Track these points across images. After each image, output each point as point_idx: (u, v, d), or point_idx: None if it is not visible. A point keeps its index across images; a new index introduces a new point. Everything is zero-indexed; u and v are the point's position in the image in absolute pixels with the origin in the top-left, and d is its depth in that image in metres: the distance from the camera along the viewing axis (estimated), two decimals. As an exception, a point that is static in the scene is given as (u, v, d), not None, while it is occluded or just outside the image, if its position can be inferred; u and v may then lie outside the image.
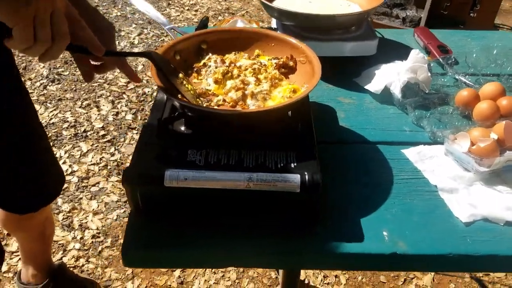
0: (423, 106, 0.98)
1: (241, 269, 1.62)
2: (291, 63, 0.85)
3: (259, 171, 0.68)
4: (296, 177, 0.67)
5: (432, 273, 1.63)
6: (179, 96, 0.74)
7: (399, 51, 1.13)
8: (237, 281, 1.59)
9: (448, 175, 0.82)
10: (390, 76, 1.00)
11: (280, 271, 1.07)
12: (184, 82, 0.77)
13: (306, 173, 0.67)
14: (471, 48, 1.20)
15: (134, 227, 0.71)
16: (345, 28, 1.10)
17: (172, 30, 1.09)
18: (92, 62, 0.72)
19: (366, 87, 1.03)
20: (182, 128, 0.76)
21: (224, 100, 0.78)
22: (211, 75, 0.82)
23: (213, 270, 1.62)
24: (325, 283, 1.60)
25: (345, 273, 1.63)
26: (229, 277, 1.60)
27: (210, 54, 0.87)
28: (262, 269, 1.62)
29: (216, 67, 0.83)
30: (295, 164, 0.69)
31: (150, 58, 0.74)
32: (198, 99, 0.77)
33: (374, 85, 1.01)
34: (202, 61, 0.87)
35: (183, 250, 0.69)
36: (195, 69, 0.85)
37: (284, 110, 0.75)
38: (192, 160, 0.70)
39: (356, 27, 1.11)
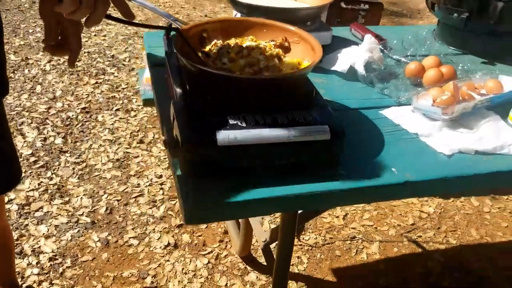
0: (382, 79, 1.17)
1: (211, 266, 1.68)
2: (286, 44, 0.98)
3: (293, 126, 0.80)
4: (325, 127, 0.80)
5: (378, 242, 1.84)
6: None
7: (346, 42, 1.34)
8: (209, 277, 1.64)
9: (421, 125, 1.01)
10: (352, 57, 1.19)
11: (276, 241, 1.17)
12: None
13: (332, 123, 0.80)
14: (395, 38, 1.44)
15: (189, 189, 0.77)
16: (303, 23, 1.27)
17: (176, 21, 1.15)
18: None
19: (333, 68, 1.20)
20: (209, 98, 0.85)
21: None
22: (224, 55, 0.92)
23: (183, 271, 1.65)
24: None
25: (305, 253, 1.77)
26: (201, 274, 1.65)
27: (215, 40, 0.97)
28: (230, 263, 1.70)
29: (221, 49, 0.93)
30: (319, 118, 0.82)
31: (178, 31, 0.83)
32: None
33: (340, 66, 1.19)
34: (208, 47, 0.96)
35: (237, 201, 0.77)
36: (204, 54, 0.94)
37: (304, 73, 0.88)
38: (234, 123, 0.79)
39: (312, 22, 1.29)
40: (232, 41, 0.97)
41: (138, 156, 2.19)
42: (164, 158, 2.18)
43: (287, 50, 0.99)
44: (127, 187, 2.00)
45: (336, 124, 0.81)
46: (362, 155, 0.90)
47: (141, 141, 2.28)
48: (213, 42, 0.97)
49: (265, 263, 1.70)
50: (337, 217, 1.95)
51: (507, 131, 1.01)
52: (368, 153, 0.91)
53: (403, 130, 1.00)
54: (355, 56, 1.18)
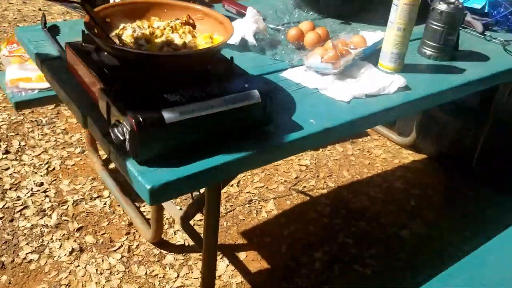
0: (270, 46, 1.29)
1: (125, 259, 1.66)
2: (191, 21, 1.03)
3: (227, 95, 0.86)
4: (256, 92, 0.88)
5: (272, 200, 2.01)
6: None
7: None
8: (127, 270, 1.62)
9: (317, 80, 1.15)
10: (241, 30, 1.27)
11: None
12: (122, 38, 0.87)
13: (261, 87, 0.89)
14: (265, 9, 1.58)
15: (146, 172, 0.79)
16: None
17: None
18: None
19: (225, 42, 1.27)
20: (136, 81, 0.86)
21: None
22: (140, 38, 0.93)
23: (98, 272, 1.60)
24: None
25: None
26: (117, 270, 1.61)
27: (123, 24, 0.97)
28: (144, 251, 1.69)
29: (135, 31, 0.94)
30: (247, 85, 0.90)
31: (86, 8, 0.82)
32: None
33: (232, 39, 1.27)
34: (116, 31, 0.96)
35: (191, 174, 0.81)
36: (118, 37, 0.94)
37: (221, 47, 0.94)
38: (174, 100, 0.82)
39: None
40: (140, 23, 0.98)
41: (8, 168, 1.99)
42: (40, 165, 2.02)
43: (192, 27, 1.03)
44: (6, 203, 1.82)
45: (264, 88, 0.89)
46: (282, 114, 1.00)
47: (6, 151, 2.07)
48: (121, 26, 0.97)
49: (178, 243, 1.74)
50: (232, 185, 2.05)
51: (381, 76, 1.21)
52: (286, 111, 1.02)
53: (304, 87, 1.13)
54: (244, 28, 1.28)
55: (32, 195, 1.87)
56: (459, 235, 1.89)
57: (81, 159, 2.11)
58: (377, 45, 1.31)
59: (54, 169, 2.03)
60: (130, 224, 1.80)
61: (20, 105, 1.57)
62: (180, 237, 1.76)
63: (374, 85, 1.14)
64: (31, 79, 1.61)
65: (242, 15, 1.50)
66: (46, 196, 1.88)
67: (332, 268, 1.70)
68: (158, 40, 0.93)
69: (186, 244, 1.74)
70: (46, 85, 1.57)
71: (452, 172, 2.29)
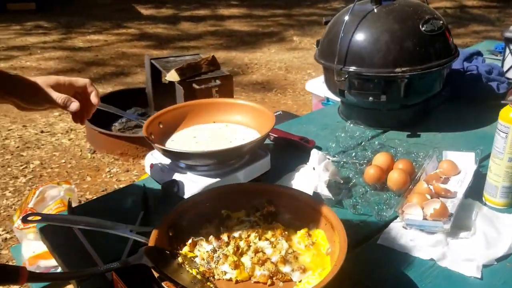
0: (347, 194, 1.05)
1: None
2: (273, 209, 0.79)
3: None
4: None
5: None
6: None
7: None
8: None
9: (427, 244, 0.90)
10: (310, 181, 1.04)
11: None
12: (185, 265, 0.63)
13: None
14: (314, 133, 1.36)
15: None
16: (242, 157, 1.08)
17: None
18: None
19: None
20: None
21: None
22: (221, 260, 0.68)
23: None
24: None
25: None
26: None
27: (193, 239, 0.72)
28: None
29: (214, 248, 0.70)
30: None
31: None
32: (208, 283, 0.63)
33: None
34: (185, 249, 0.72)
35: None
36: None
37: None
38: None
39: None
40: (225, 237, 0.73)
41: None
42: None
43: (275, 215, 0.80)
44: None
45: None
46: None
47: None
48: (189, 241, 0.72)
49: None
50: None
51: (501, 219, 0.96)
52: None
53: (416, 258, 0.88)
54: (312, 178, 1.04)
55: None
56: None
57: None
58: (474, 174, 1.07)
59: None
60: None
61: (44, 291, 1.30)
62: None
63: (503, 241, 0.90)
64: (52, 251, 1.36)
65: (292, 146, 1.27)
66: None
67: None
68: (244, 260, 0.69)
69: None
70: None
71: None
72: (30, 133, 3.10)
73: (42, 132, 3.11)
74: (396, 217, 0.97)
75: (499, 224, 0.95)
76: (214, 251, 0.69)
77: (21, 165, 2.71)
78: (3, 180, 2.57)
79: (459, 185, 1.05)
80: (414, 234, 0.93)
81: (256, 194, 0.80)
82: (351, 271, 0.78)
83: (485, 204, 1.02)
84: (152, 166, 1.10)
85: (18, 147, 2.92)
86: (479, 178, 1.05)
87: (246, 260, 0.68)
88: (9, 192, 2.46)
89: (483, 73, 1.44)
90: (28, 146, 2.93)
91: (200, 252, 0.70)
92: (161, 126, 1.14)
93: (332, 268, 0.64)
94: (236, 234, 0.73)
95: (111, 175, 2.62)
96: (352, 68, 1.27)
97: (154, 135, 1.09)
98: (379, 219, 0.98)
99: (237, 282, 0.66)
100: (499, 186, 1.00)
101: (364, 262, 0.87)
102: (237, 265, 0.67)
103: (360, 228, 0.96)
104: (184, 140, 1.13)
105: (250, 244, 0.70)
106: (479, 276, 0.83)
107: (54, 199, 1.55)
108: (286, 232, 0.74)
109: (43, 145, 2.94)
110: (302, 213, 0.77)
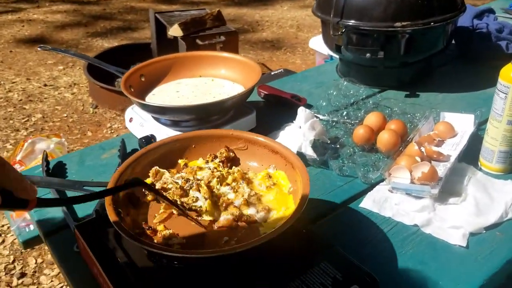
0: (333, 155, 1.00)
1: None
2: (232, 154, 0.75)
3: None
4: (357, 288, 0.59)
5: None
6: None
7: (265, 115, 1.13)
8: None
9: (413, 209, 0.85)
10: (294, 140, 0.98)
11: None
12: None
13: (363, 278, 0.60)
14: (307, 91, 1.29)
15: None
16: (226, 113, 1.04)
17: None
18: None
19: (276, 159, 0.98)
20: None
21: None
22: (194, 187, 0.65)
23: None
24: None
25: None
26: None
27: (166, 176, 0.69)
28: None
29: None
30: (341, 275, 0.61)
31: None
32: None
33: (284, 155, 0.98)
34: (158, 184, 0.69)
35: None
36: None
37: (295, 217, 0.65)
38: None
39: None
40: (184, 174, 0.70)
41: (25, 296, 1.72)
42: (61, 287, 1.75)
43: (235, 161, 0.76)
44: None
45: (366, 278, 0.60)
46: (385, 276, 0.70)
47: (22, 274, 1.80)
48: (163, 179, 0.70)
49: None
50: None
51: (495, 185, 0.91)
52: (391, 272, 0.71)
53: (399, 223, 0.83)
54: (297, 137, 0.99)
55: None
56: None
57: None
58: (471, 137, 1.01)
59: None
60: None
61: (30, 243, 1.29)
62: None
63: (495, 209, 0.84)
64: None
65: (283, 103, 1.22)
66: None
67: None
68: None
69: None
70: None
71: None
72: (33, 86, 3.07)
73: (45, 85, 3.08)
74: (382, 180, 0.92)
75: (493, 191, 0.90)
76: (187, 180, 0.67)
77: (23, 118, 2.70)
78: (4, 133, 2.56)
79: (454, 148, 0.99)
80: (400, 198, 0.88)
81: (213, 140, 0.76)
82: (324, 234, 0.74)
83: (480, 169, 0.96)
84: (131, 120, 1.05)
85: (21, 100, 2.90)
86: (477, 142, 0.98)
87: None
88: (10, 144, 2.46)
89: (493, 31, 1.34)
90: (31, 99, 2.91)
91: (173, 183, 0.68)
92: (143, 79, 1.09)
93: (298, 203, 0.61)
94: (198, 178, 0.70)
95: (112, 131, 2.60)
96: (349, 22, 1.18)
97: (134, 88, 1.04)
98: (365, 181, 0.93)
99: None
100: (496, 151, 0.93)
101: (341, 225, 0.83)
102: (208, 197, 0.65)
103: (344, 191, 0.91)
104: (165, 94, 1.08)
105: (213, 190, 0.67)
106: (464, 244, 0.78)
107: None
108: (248, 176, 0.71)
109: (45, 98, 2.92)
110: (261, 156, 0.73)
